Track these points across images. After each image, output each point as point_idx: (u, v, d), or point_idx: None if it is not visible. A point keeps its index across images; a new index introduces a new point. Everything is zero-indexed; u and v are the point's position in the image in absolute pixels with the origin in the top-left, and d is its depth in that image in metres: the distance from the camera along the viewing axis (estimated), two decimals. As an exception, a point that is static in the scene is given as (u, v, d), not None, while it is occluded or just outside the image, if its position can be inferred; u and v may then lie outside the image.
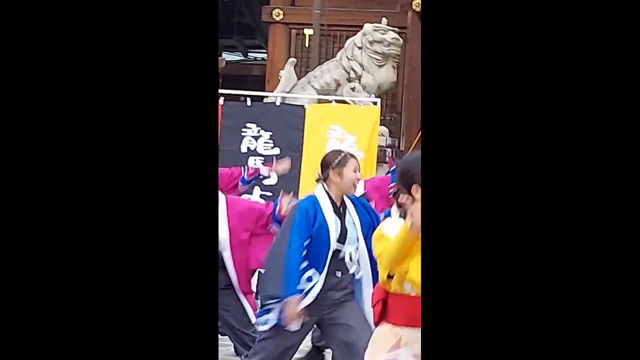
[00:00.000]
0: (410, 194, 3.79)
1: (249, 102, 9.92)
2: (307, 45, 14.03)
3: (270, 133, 9.74)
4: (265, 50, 16.78)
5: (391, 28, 11.98)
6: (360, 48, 11.82)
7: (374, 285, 4.83)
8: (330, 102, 10.43)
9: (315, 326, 5.41)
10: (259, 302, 5.45)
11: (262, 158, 9.66)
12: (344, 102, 11.03)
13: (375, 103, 10.28)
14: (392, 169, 8.04)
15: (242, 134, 9.73)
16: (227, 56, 19.15)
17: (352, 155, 5.41)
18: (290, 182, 9.73)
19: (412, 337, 3.57)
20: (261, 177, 8.04)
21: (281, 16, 14.31)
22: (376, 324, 3.85)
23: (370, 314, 4.32)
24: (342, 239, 5.21)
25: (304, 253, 5.11)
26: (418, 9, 13.14)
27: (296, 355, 5.60)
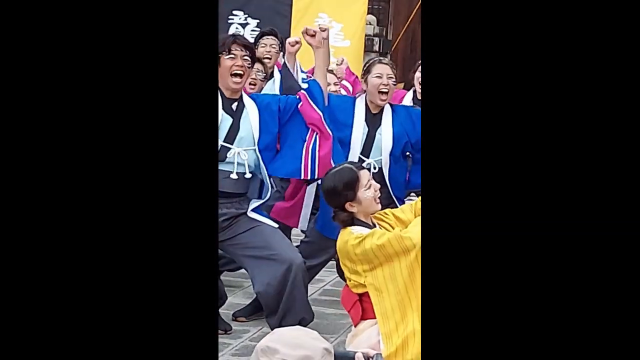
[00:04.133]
0: (346, 211, 3.94)
1: (235, -11, 9.78)
2: None
3: (258, 20, 9.65)
4: None
5: None
6: None
7: None
8: (318, -11, 10.10)
9: None
10: None
11: (249, 45, 9.63)
12: (330, -11, 10.60)
13: (363, -10, 9.88)
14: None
15: (229, 21, 9.68)
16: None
17: (380, 61, 5.33)
18: (277, 69, 9.71)
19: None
20: None
21: None
22: (356, 325, 4.03)
23: None
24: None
25: None
26: None
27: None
